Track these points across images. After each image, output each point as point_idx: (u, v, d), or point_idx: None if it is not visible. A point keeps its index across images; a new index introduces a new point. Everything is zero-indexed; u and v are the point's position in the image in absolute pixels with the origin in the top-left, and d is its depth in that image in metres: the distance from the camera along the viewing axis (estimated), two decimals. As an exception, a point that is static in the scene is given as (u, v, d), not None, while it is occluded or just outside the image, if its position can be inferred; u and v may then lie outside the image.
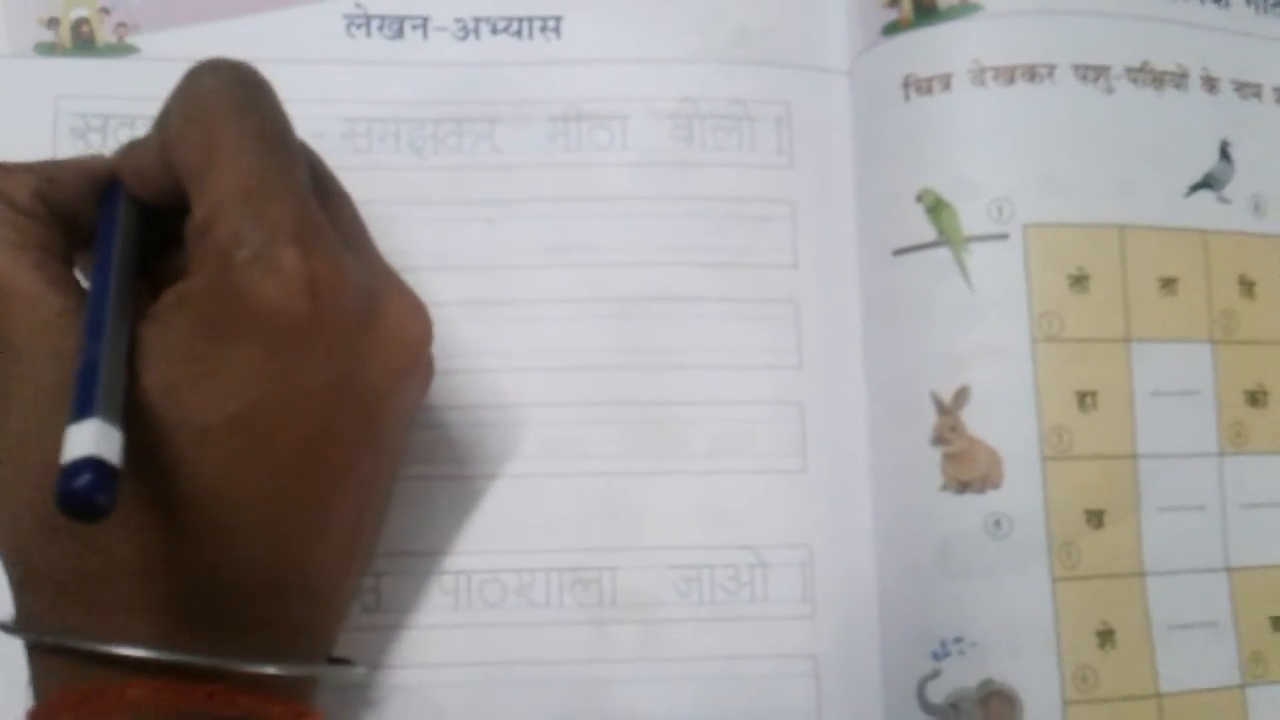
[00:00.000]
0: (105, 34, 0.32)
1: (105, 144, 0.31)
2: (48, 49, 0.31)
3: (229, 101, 0.24)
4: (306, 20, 0.32)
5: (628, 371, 0.31)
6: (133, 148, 0.26)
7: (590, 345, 0.31)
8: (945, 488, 0.29)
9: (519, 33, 0.32)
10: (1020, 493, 0.29)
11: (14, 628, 0.23)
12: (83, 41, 0.31)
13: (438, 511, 0.30)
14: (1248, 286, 0.31)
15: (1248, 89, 0.32)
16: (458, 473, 0.30)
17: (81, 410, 0.20)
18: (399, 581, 0.30)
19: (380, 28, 0.32)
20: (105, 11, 0.32)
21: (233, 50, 0.31)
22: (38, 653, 0.23)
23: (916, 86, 0.31)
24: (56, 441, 0.20)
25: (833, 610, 0.30)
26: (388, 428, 0.25)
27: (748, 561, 0.30)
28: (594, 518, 0.30)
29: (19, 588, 0.23)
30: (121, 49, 0.32)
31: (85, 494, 0.19)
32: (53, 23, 0.32)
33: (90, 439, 0.19)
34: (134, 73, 0.31)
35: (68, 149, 0.31)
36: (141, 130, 0.31)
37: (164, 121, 0.25)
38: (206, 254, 0.22)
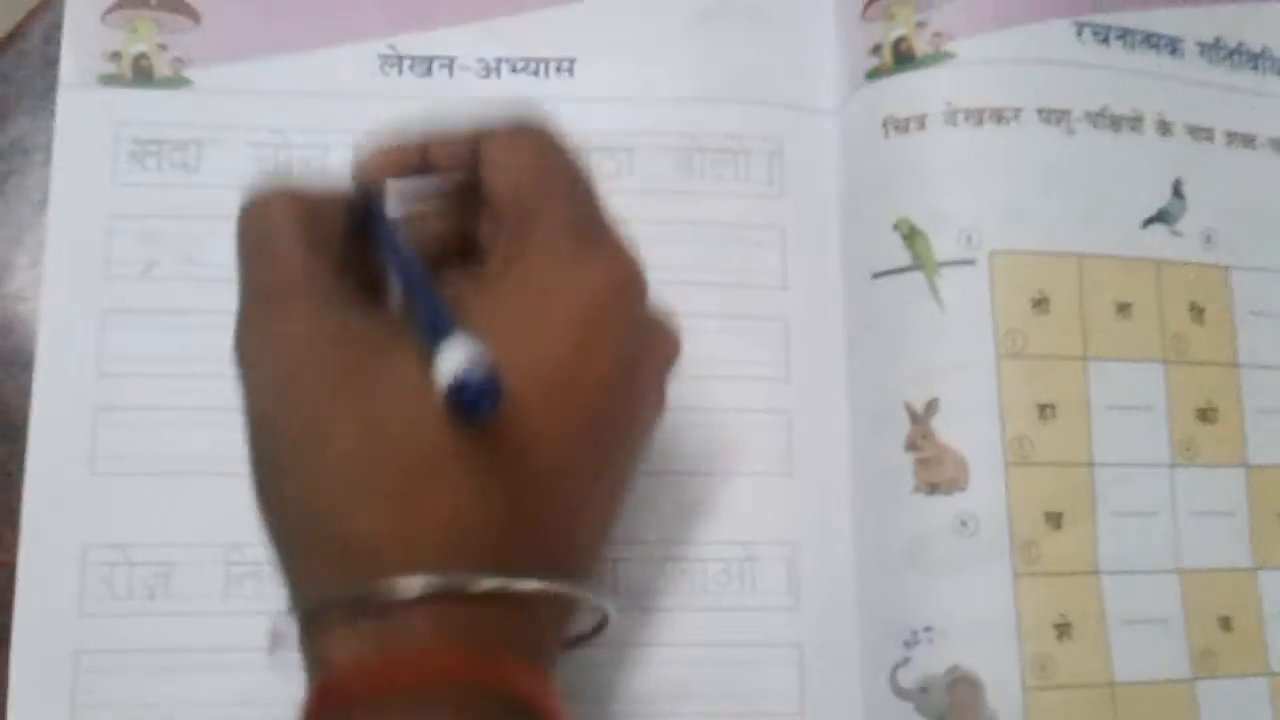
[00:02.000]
0: (162, 67, 0.35)
1: (159, 166, 0.34)
2: (110, 79, 0.35)
3: (555, 147, 0.27)
4: (345, 59, 0.35)
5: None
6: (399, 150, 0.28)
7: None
8: (917, 490, 0.32)
9: (536, 72, 0.35)
10: (985, 495, 0.32)
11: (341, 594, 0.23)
12: (142, 74, 0.35)
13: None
14: (1198, 312, 0.34)
15: (1200, 133, 0.35)
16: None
17: (441, 331, 0.22)
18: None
19: (411, 66, 0.35)
20: (163, 48, 0.35)
21: (277, 83, 0.35)
22: (318, 629, 0.23)
23: (895, 126, 0.34)
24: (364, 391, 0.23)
25: (815, 602, 0.33)
26: (645, 409, 0.28)
27: (738, 556, 0.33)
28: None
29: (308, 557, 0.24)
30: (177, 81, 0.35)
31: (481, 389, 0.21)
32: (115, 56, 0.35)
33: (465, 347, 0.22)
34: (187, 103, 0.35)
35: (125, 169, 0.34)
36: (192, 155, 0.35)
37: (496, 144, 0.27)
38: (532, 240, 0.26)
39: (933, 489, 0.32)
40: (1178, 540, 0.33)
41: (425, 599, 0.22)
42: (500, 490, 0.24)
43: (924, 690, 0.31)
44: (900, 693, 0.31)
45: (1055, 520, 0.32)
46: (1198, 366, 0.34)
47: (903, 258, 0.33)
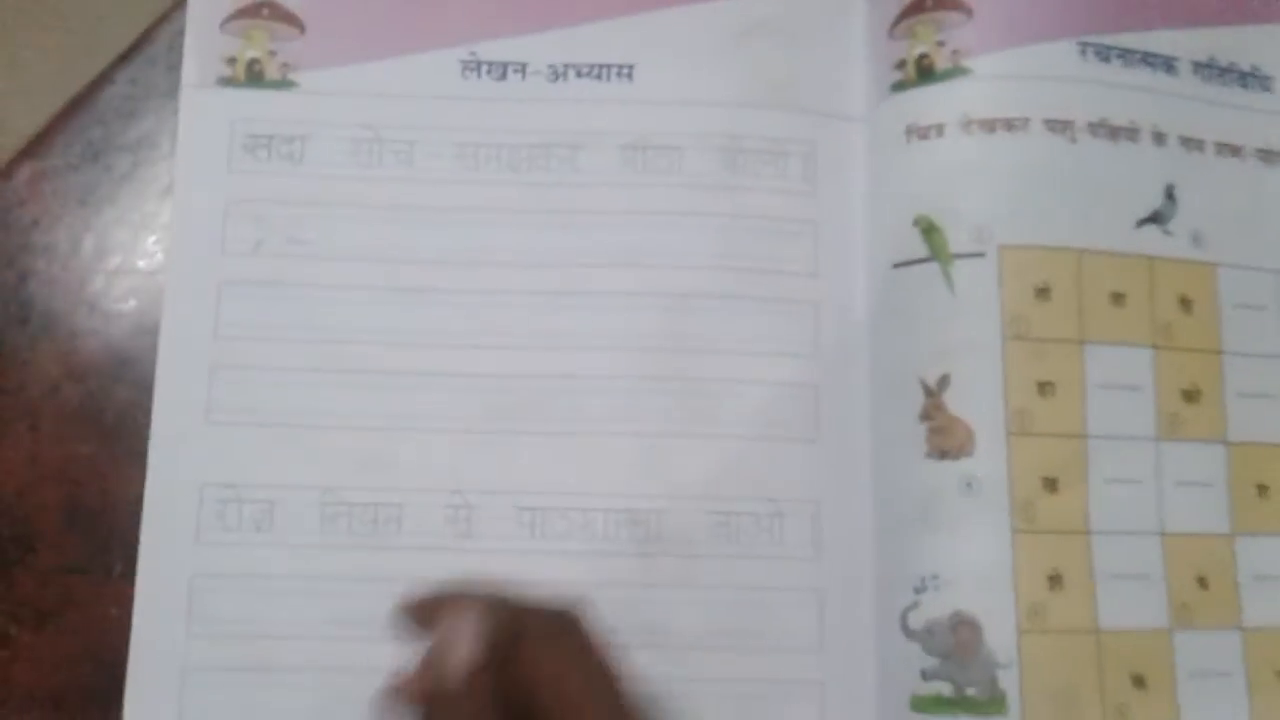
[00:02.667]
0: (272, 71, 0.40)
1: (269, 157, 0.39)
2: (227, 81, 0.40)
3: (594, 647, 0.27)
4: (431, 65, 0.40)
5: (674, 354, 0.38)
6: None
7: (644, 330, 0.38)
8: (929, 455, 0.36)
9: (599, 76, 0.40)
10: (989, 461, 0.36)
11: None
12: (254, 77, 0.40)
13: (521, 459, 0.37)
14: (1186, 304, 0.38)
15: (1191, 143, 0.39)
16: (538, 429, 0.37)
17: None
18: (485, 514, 0.37)
19: (489, 71, 0.40)
20: (273, 54, 0.40)
21: (371, 85, 0.40)
22: None
23: (917, 133, 0.38)
24: None
25: (834, 553, 0.37)
26: None
27: (768, 512, 0.37)
28: (645, 471, 0.37)
29: None
30: (285, 84, 0.40)
31: None
32: (231, 61, 0.40)
33: None
34: (294, 102, 0.39)
35: (239, 160, 0.39)
36: (297, 148, 0.39)
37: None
38: None
39: (943, 454, 0.36)
40: (1161, 506, 0.37)
41: None
42: None
43: (930, 631, 0.35)
44: (909, 634, 0.35)
45: (1051, 485, 0.36)
46: (1184, 352, 0.38)
47: (920, 250, 0.37)
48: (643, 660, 0.35)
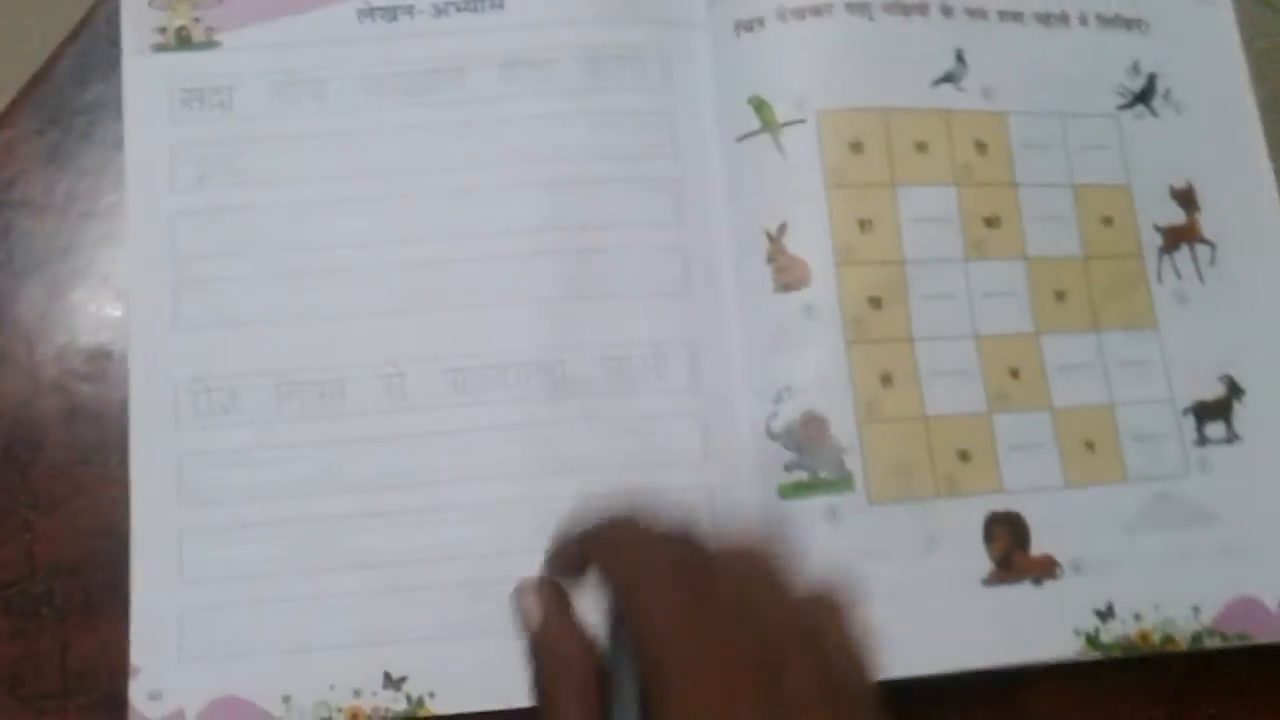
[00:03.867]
0: (199, 35, 0.47)
1: (203, 107, 0.46)
2: (160, 47, 0.46)
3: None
4: (333, 15, 0.47)
5: (563, 232, 0.45)
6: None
7: (535, 214, 0.45)
8: (776, 290, 0.44)
9: (475, 10, 0.47)
10: (823, 288, 0.43)
11: None
12: (183, 41, 0.47)
13: (443, 331, 0.44)
14: (982, 147, 0.45)
15: (976, 13, 0.46)
16: (455, 304, 0.45)
17: None
18: (416, 380, 0.44)
19: (381, 15, 0.47)
20: (197, 20, 0.47)
21: (283, 38, 0.47)
22: None
23: (744, 27, 0.45)
24: None
25: (709, 382, 0.44)
26: None
27: (652, 354, 0.45)
28: (548, 329, 0.44)
29: None
30: (210, 44, 0.47)
31: None
32: (163, 30, 0.47)
33: None
34: (219, 59, 0.46)
35: (179, 113, 0.46)
36: (225, 97, 0.46)
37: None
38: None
39: (787, 288, 0.43)
40: (974, 315, 0.44)
41: None
42: None
43: (788, 432, 0.43)
44: (772, 436, 0.43)
45: (877, 303, 0.43)
46: (983, 187, 0.45)
47: (755, 124, 0.45)
48: (559, 485, 0.43)
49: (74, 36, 0.48)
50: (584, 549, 0.28)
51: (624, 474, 0.43)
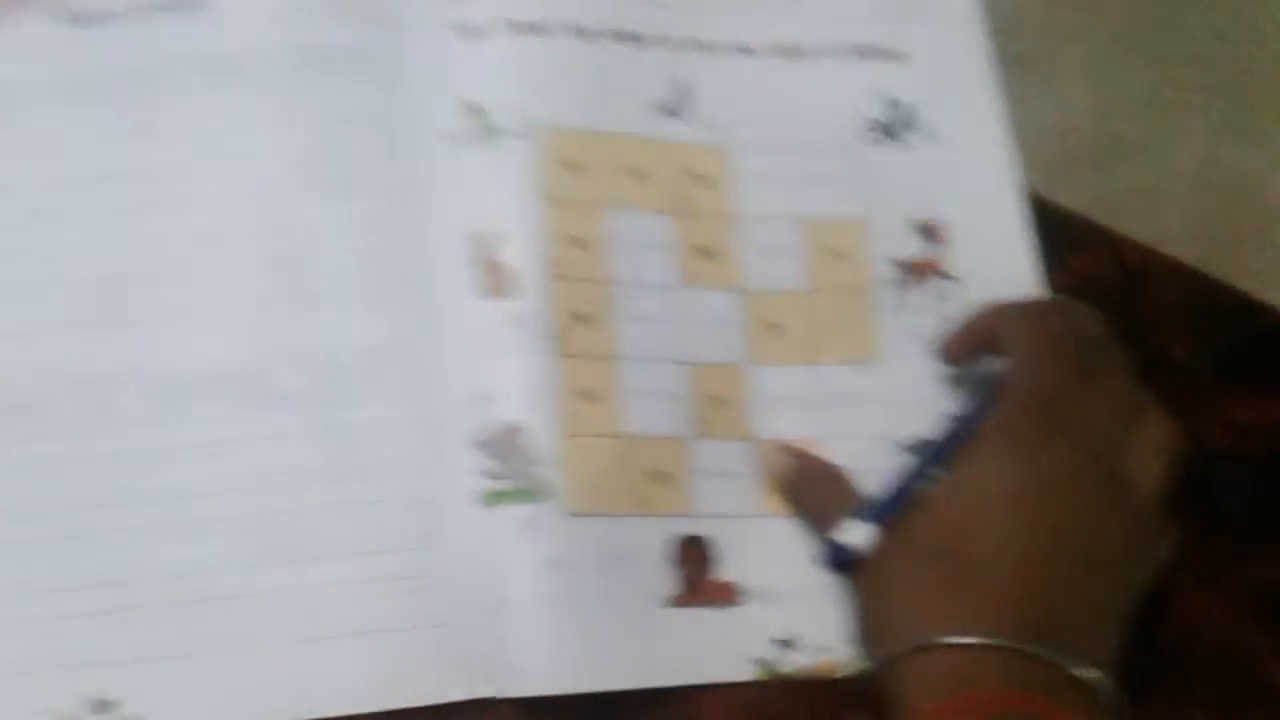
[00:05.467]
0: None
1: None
2: None
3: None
4: (25, 21, 0.46)
5: (272, 238, 0.44)
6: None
7: (245, 220, 0.44)
8: (483, 296, 0.43)
9: (175, 9, 0.46)
10: (532, 299, 0.43)
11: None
12: None
13: (149, 342, 0.43)
14: (700, 178, 0.46)
15: (706, 46, 0.48)
16: (163, 313, 0.43)
17: (861, 514, 0.40)
18: (121, 399, 0.42)
19: (76, 20, 0.46)
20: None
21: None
22: (921, 661, 0.35)
23: (466, 33, 0.46)
24: None
25: (421, 389, 0.43)
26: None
27: (364, 362, 0.43)
28: (256, 337, 0.43)
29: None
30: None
31: (843, 560, 0.39)
32: None
33: (864, 533, 0.39)
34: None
35: None
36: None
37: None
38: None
39: (495, 296, 0.43)
40: (683, 341, 0.44)
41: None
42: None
43: (490, 440, 0.42)
44: (474, 444, 0.42)
45: (583, 319, 0.43)
46: (700, 218, 0.46)
47: (471, 131, 0.45)
48: (270, 501, 0.41)
49: None
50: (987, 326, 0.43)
51: (336, 486, 0.42)
